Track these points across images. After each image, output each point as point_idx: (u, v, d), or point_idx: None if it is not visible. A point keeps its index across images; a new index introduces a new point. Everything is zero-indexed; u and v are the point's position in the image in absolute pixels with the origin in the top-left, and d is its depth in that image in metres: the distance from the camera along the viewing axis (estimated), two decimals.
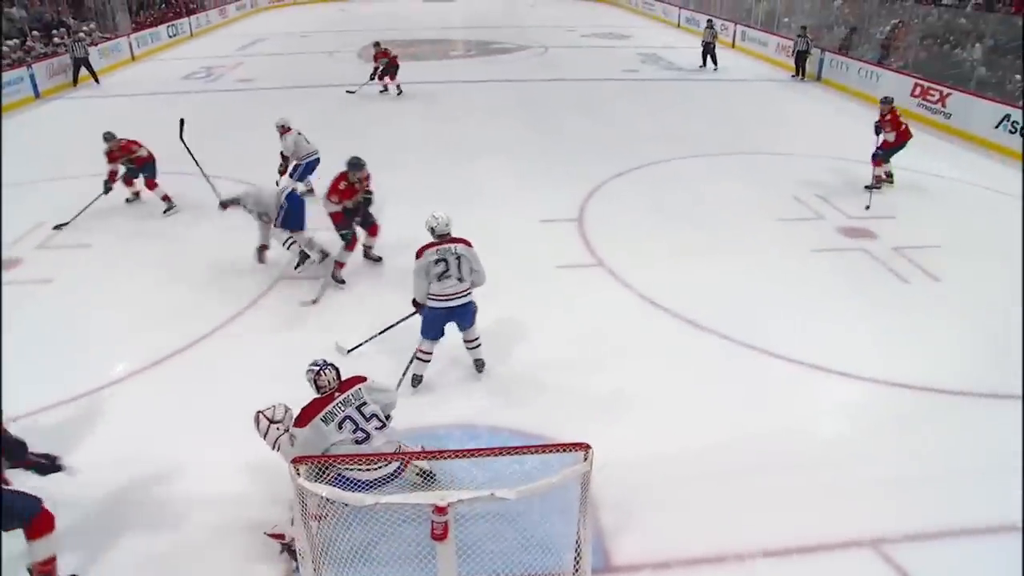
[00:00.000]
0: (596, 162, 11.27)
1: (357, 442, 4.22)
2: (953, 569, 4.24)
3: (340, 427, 4.22)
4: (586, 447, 3.52)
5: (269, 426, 4.47)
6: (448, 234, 5.67)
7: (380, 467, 4.13)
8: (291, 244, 7.51)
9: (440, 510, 3.22)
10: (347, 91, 16.59)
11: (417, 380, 5.87)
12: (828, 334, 6.65)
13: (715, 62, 19.27)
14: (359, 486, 3.93)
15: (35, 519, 3.89)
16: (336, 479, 3.83)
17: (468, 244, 5.70)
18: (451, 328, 5.78)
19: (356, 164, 7.40)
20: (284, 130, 9.64)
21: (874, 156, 10.18)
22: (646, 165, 11.29)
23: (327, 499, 3.50)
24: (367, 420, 4.29)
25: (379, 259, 8.04)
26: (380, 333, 6.25)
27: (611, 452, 4.05)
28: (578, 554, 3.89)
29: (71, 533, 4.36)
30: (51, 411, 5.55)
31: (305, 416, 4.27)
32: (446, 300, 5.61)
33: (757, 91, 17.17)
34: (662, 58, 20.96)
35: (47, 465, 4.16)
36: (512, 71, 19.19)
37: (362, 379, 4.47)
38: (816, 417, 5.63)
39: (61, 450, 4.34)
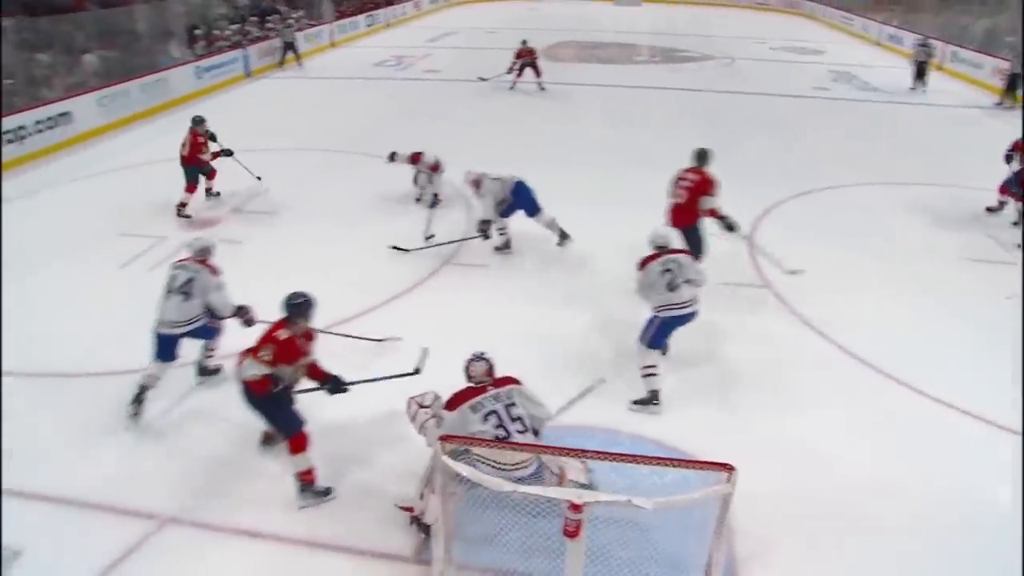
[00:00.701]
0: (774, 182, 10.81)
1: (497, 439, 4.31)
2: None
3: (485, 419, 4.33)
4: (730, 468, 3.44)
5: (418, 410, 4.69)
6: (667, 246, 5.91)
7: (519, 468, 4.22)
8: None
9: (576, 507, 3.26)
10: (480, 78, 17.36)
11: (654, 396, 5.72)
12: (1018, 393, 6.03)
13: (924, 83, 17.84)
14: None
15: (296, 437, 4.73)
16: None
17: (688, 253, 5.96)
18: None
19: None
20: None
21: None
22: (826, 188, 10.71)
23: (462, 481, 3.64)
24: (512, 420, 4.35)
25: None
26: None
27: (756, 482, 3.91)
28: (708, 571, 3.81)
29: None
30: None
31: (455, 401, 4.44)
32: (681, 308, 5.73)
33: (960, 118, 15.78)
34: (856, 77, 19.74)
35: (335, 385, 4.89)
36: (696, 80, 18.81)
37: (516, 381, 4.57)
38: (992, 483, 5.13)
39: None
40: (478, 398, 4.41)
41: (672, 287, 5.70)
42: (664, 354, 6.11)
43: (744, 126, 14.34)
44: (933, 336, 6.85)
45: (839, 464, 5.17)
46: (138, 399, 5.50)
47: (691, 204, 7.06)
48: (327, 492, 4.82)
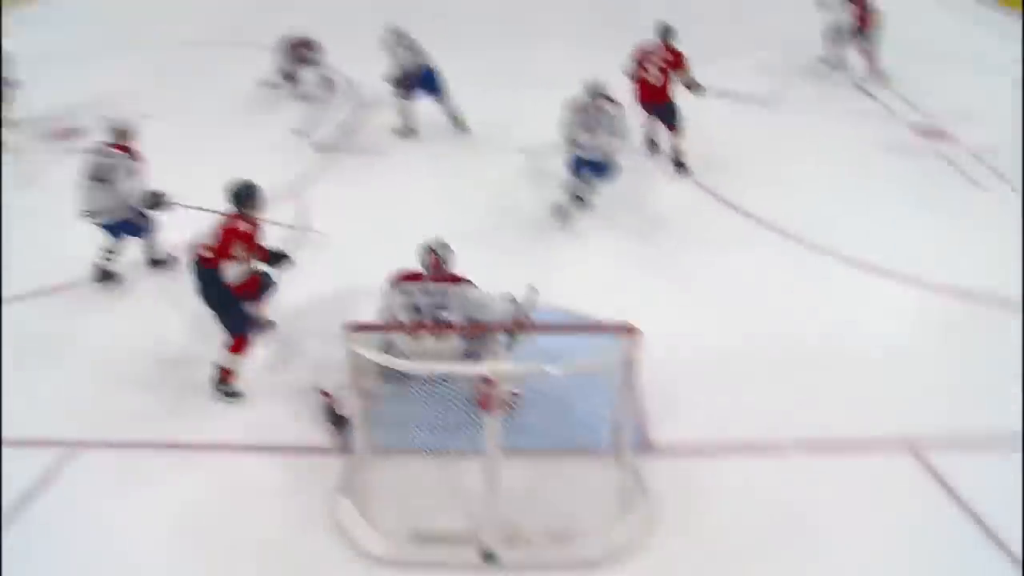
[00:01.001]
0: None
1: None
2: (991, 478, 4.25)
3: (408, 310, 4.25)
4: (634, 329, 3.56)
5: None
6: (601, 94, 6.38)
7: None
8: None
9: (489, 381, 3.33)
10: None
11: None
12: (894, 238, 6.47)
13: None
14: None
15: (242, 338, 4.65)
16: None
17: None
18: None
19: None
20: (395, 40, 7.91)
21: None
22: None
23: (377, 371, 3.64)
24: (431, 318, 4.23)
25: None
26: None
27: (661, 338, 4.10)
28: (617, 432, 4.03)
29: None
30: None
31: (394, 279, 4.35)
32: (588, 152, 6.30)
33: None
34: None
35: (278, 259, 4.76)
36: None
37: (461, 281, 4.33)
38: (872, 319, 5.56)
39: None
40: (411, 285, 4.30)
41: (587, 128, 6.12)
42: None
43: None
44: (821, 191, 7.20)
45: (736, 314, 5.48)
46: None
47: (666, 81, 7.11)
48: (236, 395, 4.73)
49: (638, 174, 7.32)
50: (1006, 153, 7.80)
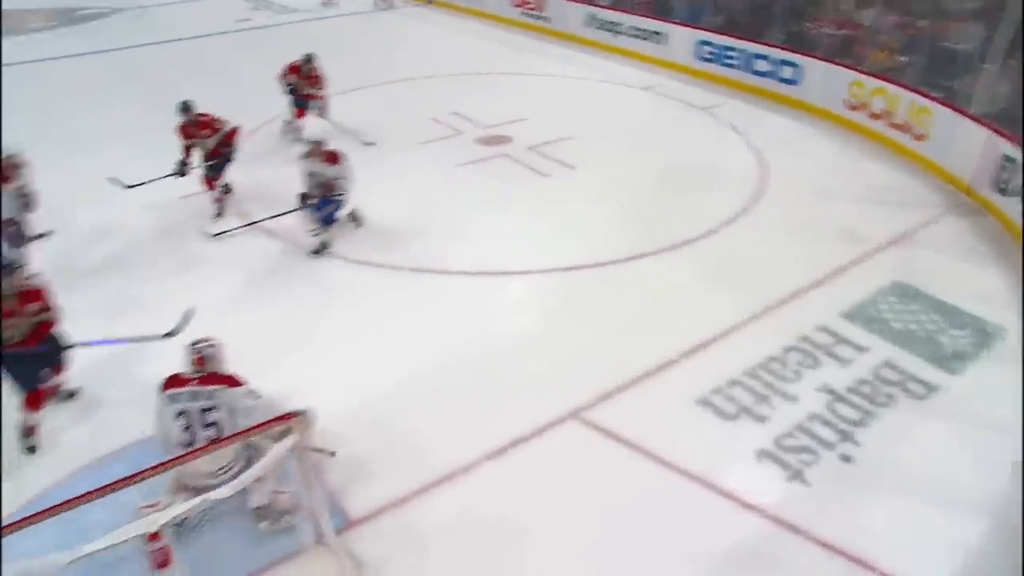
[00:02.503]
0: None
1: (182, 444, 3.86)
2: (639, 412, 4.92)
3: (176, 417, 3.89)
4: (293, 416, 3.42)
5: None
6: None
7: (221, 474, 3.84)
8: None
9: (154, 536, 2.93)
10: None
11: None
12: (490, 240, 7.15)
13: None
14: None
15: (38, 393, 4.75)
16: None
17: None
18: None
19: None
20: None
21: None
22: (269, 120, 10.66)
23: None
24: (204, 427, 3.89)
25: None
26: None
27: (319, 410, 3.99)
28: (316, 521, 3.83)
29: None
30: None
31: (165, 384, 4.01)
32: None
33: (377, 21, 17.17)
34: (273, 1, 19.95)
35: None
36: (106, 39, 16.77)
37: (231, 381, 4.03)
38: (499, 317, 6.07)
39: None
40: (178, 390, 3.91)
41: None
42: None
43: (172, 77, 13.19)
44: (417, 217, 7.60)
45: (380, 359, 5.50)
46: None
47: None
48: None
49: None
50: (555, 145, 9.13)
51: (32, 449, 4.74)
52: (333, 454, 4.50)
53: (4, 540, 2.89)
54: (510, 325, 5.94)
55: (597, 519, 4.19)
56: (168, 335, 4.76)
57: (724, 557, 3.95)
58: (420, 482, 4.44)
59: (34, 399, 4.76)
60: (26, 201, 6.52)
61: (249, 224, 7.35)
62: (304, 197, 6.89)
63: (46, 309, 4.75)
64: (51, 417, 4.95)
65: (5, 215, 6.15)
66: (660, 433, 4.71)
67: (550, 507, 4.25)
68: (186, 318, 4.82)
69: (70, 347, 4.88)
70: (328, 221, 6.95)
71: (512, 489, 4.41)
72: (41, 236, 6.91)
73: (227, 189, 7.77)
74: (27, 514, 2.94)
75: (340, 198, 6.95)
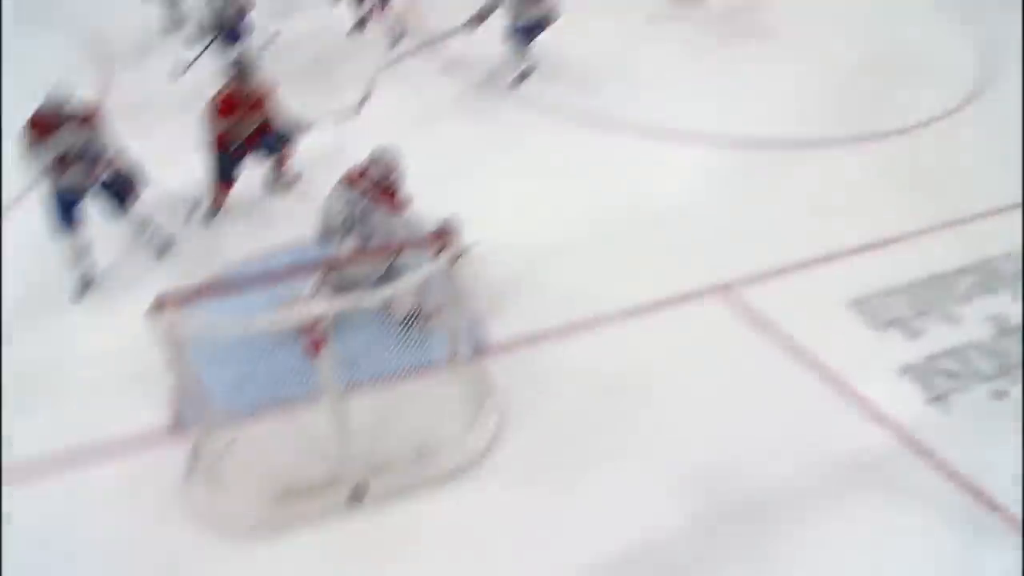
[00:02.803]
0: None
1: (343, 239, 4.34)
2: (787, 301, 4.76)
3: (342, 211, 4.33)
4: (448, 235, 3.58)
5: None
6: None
7: None
8: None
9: (309, 326, 3.23)
10: None
11: None
12: (671, 100, 6.83)
13: None
14: None
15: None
16: None
17: None
18: None
19: None
20: None
21: None
22: None
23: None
24: (365, 229, 4.31)
25: None
26: None
27: (478, 236, 4.18)
28: (456, 342, 4.09)
29: None
30: None
31: (343, 177, 4.42)
32: None
33: None
34: None
35: None
36: None
37: (402, 200, 4.41)
38: (663, 181, 5.90)
39: None
40: (353, 189, 4.34)
41: None
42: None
43: None
44: (592, 66, 7.38)
45: (540, 202, 5.60)
46: None
47: None
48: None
49: None
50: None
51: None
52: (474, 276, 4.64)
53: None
54: (673, 190, 5.79)
55: (719, 395, 4.20)
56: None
57: (839, 462, 3.88)
58: (557, 324, 4.61)
59: (227, 188, 5.40)
60: None
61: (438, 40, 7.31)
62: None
63: (270, 110, 5.34)
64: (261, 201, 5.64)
65: None
66: (804, 326, 4.55)
67: (677, 373, 4.30)
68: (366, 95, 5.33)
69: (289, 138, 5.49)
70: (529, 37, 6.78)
71: (644, 348, 4.48)
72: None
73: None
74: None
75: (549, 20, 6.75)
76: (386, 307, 4.15)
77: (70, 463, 3.97)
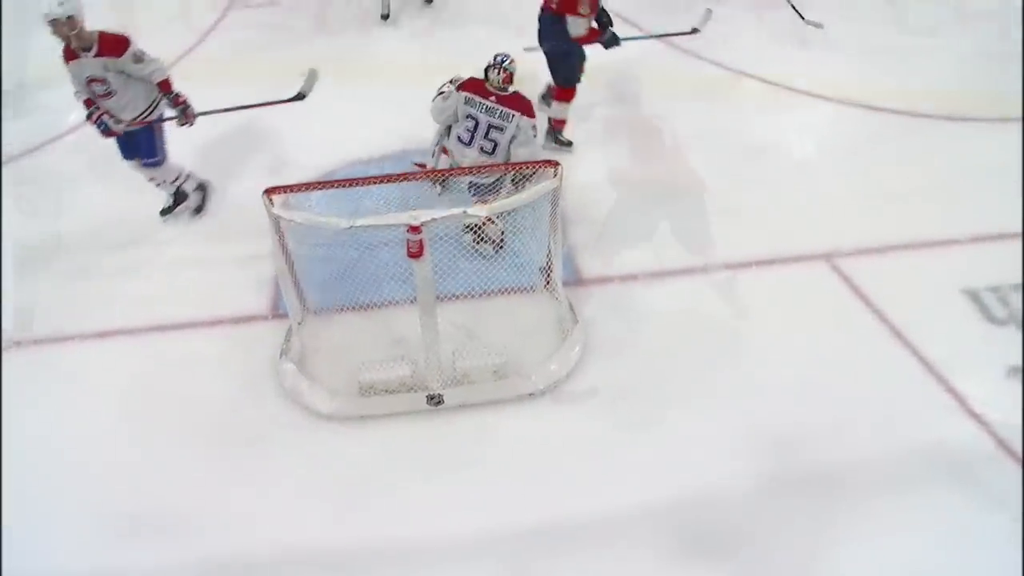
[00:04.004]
0: None
1: (460, 140, 4.42)
2: (896, 279, 4.54)
3: (465, 118, 4.38)
4: (555, 164, 3.59)
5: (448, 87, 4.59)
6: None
7: (480, 174, 4.30)
8: None
9: (414, 229, 3.32)
10: None
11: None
12: (803, 54, 6.46)
13: None
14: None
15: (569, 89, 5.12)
16: None
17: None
18: None
19: None
20: None
21: None
22: None
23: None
24: (485, 138, 4.36)
25: None
26: None
27: (584, 173, 4.14)
28: (549, 268, 4.13)
29: None
30: None
31: (466, 85, 4.45)
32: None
33: None
34: None
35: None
36: None
37: (527, 112, 4.41)
38: (785, 137, 5.69)
39: None
40: (478, 98, 4.37)
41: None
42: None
43: None
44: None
45: (653, 144, 5.51)
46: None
47: None
48: (568, 143, 5.24)
49: None
50: None
51: (567, 143, 5.30)
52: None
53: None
54: (795, 146, 5.60)
55: (808, 360, 4.08)
56: (296, 98, 4.50)
57: (920, 451, 3.72)
58: (654, 267, 4.58)
59: (570, 93, 5.15)
60: None
61: None
62: None
63: None
64: None
65: None
66: (910, 307, 4.34)
67: (768, 332, 4.22)
68: (311, 78, 4.53)
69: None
70: None
71: (740, 303, 4.40)
72: None
73: None
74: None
75: None
76: (487, 223, 4.17)
77: (178, 329, 4.31)
